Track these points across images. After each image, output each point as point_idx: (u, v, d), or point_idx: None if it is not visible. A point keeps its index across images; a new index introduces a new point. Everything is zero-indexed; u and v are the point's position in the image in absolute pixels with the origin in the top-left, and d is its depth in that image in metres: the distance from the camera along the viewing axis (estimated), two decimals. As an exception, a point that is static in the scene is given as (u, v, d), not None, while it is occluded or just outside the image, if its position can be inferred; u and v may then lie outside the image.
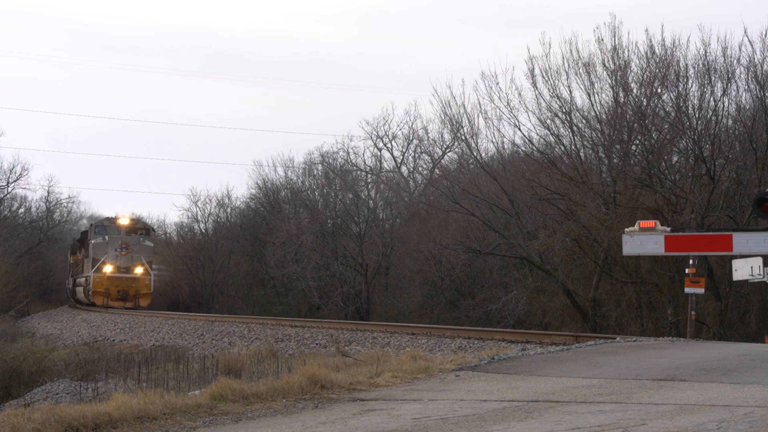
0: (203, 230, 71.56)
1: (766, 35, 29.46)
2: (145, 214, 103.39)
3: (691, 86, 30.48)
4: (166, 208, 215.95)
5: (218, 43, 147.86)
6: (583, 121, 32.70)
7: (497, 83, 33.65)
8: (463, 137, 36.89)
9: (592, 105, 32.05)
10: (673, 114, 31.05)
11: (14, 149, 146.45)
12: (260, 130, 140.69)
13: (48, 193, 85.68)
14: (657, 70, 30.93)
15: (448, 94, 39.77)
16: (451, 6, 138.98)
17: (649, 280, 30.52)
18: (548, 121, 32.94)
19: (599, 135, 32.58)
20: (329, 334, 26.93)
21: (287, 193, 60.38)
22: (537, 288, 35.00)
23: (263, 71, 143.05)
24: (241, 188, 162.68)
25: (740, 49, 29.86)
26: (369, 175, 59.26)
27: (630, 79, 31.54)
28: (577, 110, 32.54)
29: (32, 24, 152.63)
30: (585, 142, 33.31)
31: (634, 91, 31.64)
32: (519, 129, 34.12)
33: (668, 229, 19.97)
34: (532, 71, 32.37)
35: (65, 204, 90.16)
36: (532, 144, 34.49)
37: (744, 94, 30.73)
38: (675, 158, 32.57)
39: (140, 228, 60.06)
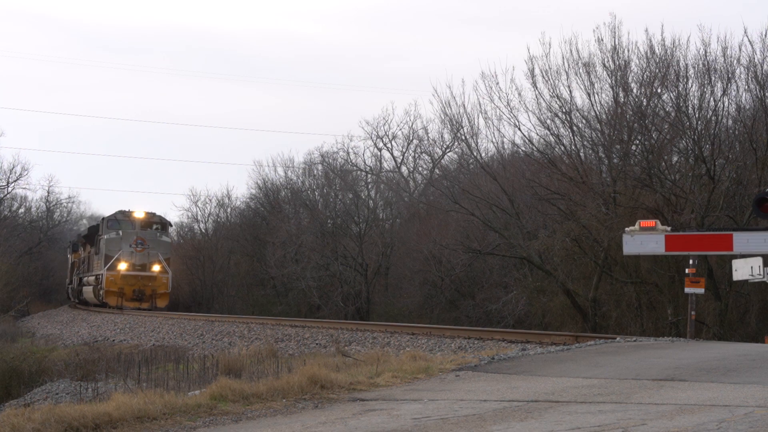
0: (203, 230, 71.57)
1: (766, 35, 29.48)
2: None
3: (691, 86, 30.51)
4: (166, 208, 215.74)
5: (218, 43, 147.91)
6: (583, 121, 32.72)
7: (497, 83, 33.70)
8: (463, 137, 36.91)
9: (592, 105, 32.08)
10: (673, 114, 31.05)
11: (14, 149, 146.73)
12: (260, 130, 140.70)
13: (48, 193, 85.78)
14: (657, 70, 30.94)
15: (448, 94, 39.81)
16: (451, 6, 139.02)
17: (649, 280, 30.52)
18: (548, 121, 32.98)
19: (599, 135, 32.58)
20: (329, 334, 26.92)
21: (287, 193, 60.37)
22: (537, 288, 35.00)
23: (263, 71, 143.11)
24: (241, 188, 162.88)
25: (740, 49, 29.89)
26: (369, 175, 59.26)
27: (630, 79, 31.57)
28: (577, 110, 32.57)
29: (32, 24, 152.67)
30: (585, 142, 33.33)
31: (634, 91, 31.66)
32: (519, 129, 34.16)
33: (668, 228, 19.98)
34: (532, 71, 32.41)
35: (65, 204, 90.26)
36: (532, 144, 34.53)
37: (744, 94, 30.76)
38: (675, 158, 32.58)
39: (156, 222, 55.37)
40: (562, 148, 33.47)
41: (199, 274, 64.19)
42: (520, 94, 33.29)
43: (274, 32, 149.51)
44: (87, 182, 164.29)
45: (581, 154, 33.30)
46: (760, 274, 19.46)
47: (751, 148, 29.17)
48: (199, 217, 72.24)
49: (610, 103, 31.85)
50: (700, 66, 30.19)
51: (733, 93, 30.41)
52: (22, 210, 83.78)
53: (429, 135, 58.47)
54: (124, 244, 52.70)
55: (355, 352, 20.76)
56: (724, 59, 29.91)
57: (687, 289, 21.06)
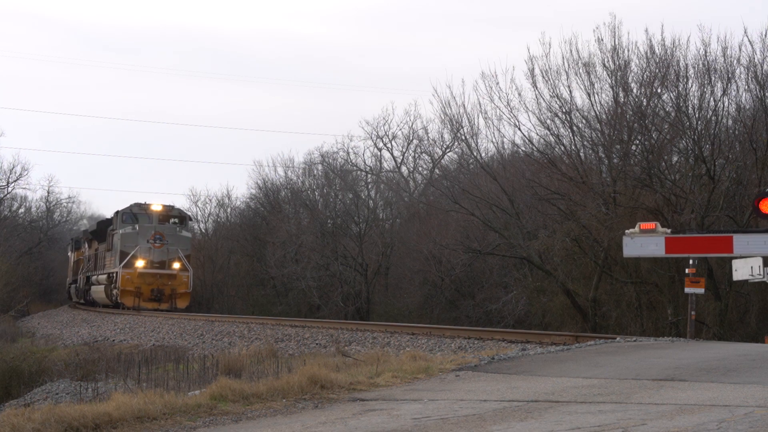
0: (203, 230, 71.58)
1: (766, 35, 29.49)
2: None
3: (691, 86, 30.52)
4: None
5: (218, 44, 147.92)
6: (583, 121, 32.72)
7: (497, 83, 33.71)
8: (463, 137, 36.92)
9: (592, 105, 32.09)
10: (673, 114, 31.06)
11: (14, 149, 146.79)
12: (260, 130, 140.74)
13: (48, 193, 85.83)
14: (657, 70, 30.94)
15: (448, 94, 39.81)
16: (452, 6, 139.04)
17: (649, 280, 30.52)
18: (548, 121, 32.99)
19: (599, 135, 32.58)
20: (329, 334, 26.92)
21: (287, 193, 60.37)
22: (537, 288, 35.00)
23: (263, 71, 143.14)
24: (241, 188, 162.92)
25: (740, 49, 29.90)
26: (369, 175, 59.27)
27: (630, 79, 31.57)
28: (577, 110, 32.57)
29: (32, 24, 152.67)
30: (585, 142, 33.34)
31: (634, 91, 31.66)
32: (519, 129, 34.17)
33: (668, 230, 19.98)
34: (532, 71, 32.41)
35: (65, 204, 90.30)
36: (532, 144, 34.53)
37: (744, 94, 30.77)
38: (675, 158, 32.58)
39: (175, 215, 50.87)
40: (562, 148, 33.48)
41: (199, 274, 64.19)
42: (520, 94, 33.34)
43: (274, 32, 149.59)
44: (87, 182, 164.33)
45: (581, 154, 33.30)
46: (760, 274, 19.46)
47: (751, 148, 29.17)
48: (199, 217, 72.29)
49: (610, 103, 31.87)
50: (700, 66, 30.22)
51: (733, 93, 30.44)
52: (22, 210, 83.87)
53: (429, 135, 58.52)
54: (140, 239, 48.46)
55: (355, 352, 20.76)
56: (724, 59, 29.94)
57: (687, 289, 21.07)
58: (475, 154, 37.54)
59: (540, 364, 14.01)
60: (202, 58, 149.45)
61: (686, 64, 30.51)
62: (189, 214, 55.02)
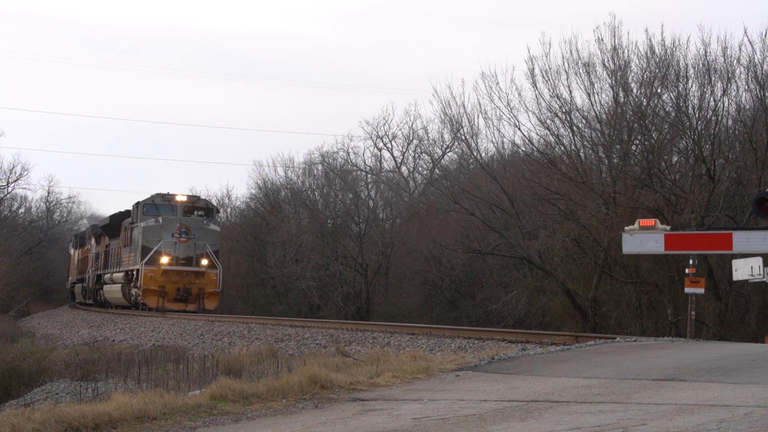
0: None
1: (766, 35, 29.51)
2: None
3: (691, 86, 30.53)
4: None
5: (218, 44, 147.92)
6: (583, 121, 32.73)
7: (497, 83, 33.74)
8: (463, 137, 36.93)
9: (592, 105, 32.11)
10: (673, 114, 31.07)
11: (14, 149, 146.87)
12: (260, 130, 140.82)
13: (48, 193, 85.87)
14: (657, 70, 30.95)
15: (448, 94, 39.86)
16: (451, 6, 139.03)
17: (649, 280, 30.52)
18: (548, 121, 33.01)
19: (599, 135, 32.59)
20: (329, 334, 26.91)
21: (287, 193, 60.39)
22: (537, 288, 35.01)
23: (263, 71, 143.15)
24: (241, 188, 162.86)
25: (740, 49, 29.92)
26: (369, 175, 59.30)
27: (630, 79, 31.59)
28: (577, 110, 32.59)
29: (32, 24, 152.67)
30: (585, 142, 33.35)
31: (634, 91, 31.68)
32: (519, 129, 34.20)
33: (668, 227, 19.96)
34: (532, 71, 32.43)
35: (65, 204, 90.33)
36: (532, 144, 34.56)
37: (744, 94, 30.79)
38: (675, 158, 32.59)
39: (201, 207, 45.98)
40: (562, 148, 33.50)
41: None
42: (520, 94, 33.37)
43: (275, 32, 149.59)
44: (87, 182, 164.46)
45: (581, 154, 33.31)
46: (760, 274, 19.45)
47: (751, 148, 29.17)
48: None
49: (610, 103, 31.87)
50: (700, 66, 30.23)
51: (733, 93, 30.47)
52: (22, 210, 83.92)
53: (429, 135, 58.58)
54: (164, 233, 43.57)
55: (355, 352, 20.76)
56: (724, 59, 29.96)
57: (687, 289, 21.06)
58: (475, 154, 37.58)
59: (540, 364, 14.00)
60: (203, 58, 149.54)
61: (686, 64, 30.55)
62: (215, 205, 50.34)
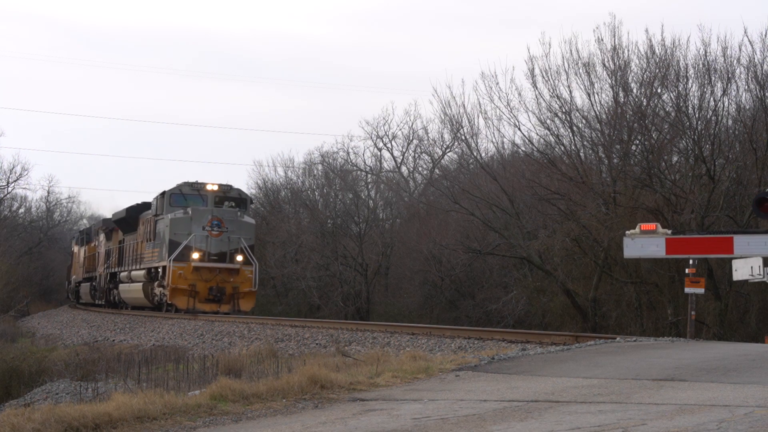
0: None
1: (766, 35, 29.53)
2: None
3: (691, 86, 30.56)
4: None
5: (218, 44, 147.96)
6: (583, 121, 32.75)
7: (497, 83, 33.77)
8: (463, 137, 36.97)
9: (592, 105, 32.13)
10: (673, 114, 31.07)
11: (14, 149, 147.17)
12: (260, 130, 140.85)
13: (48, 193, 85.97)
14: (657, 70, 30.97)
15: (448, 94, 39.89)
16: (451, 6, 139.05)
17: (649, 280, 30.52)
18: (548, 121, 33.04)
19: (599, 135, 32.61)
20: (329, 334, 26.89)
21: (287, 193, 60.40)
22: (537, 288, 35.02)
23: (263, 71, 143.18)
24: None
25: (740, 49, 29.95)
26: (369, 175, 59.32)
27: (630, 79, 31.61)
28: (577, 110, 32.62)
29: (32, 24, 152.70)
30: (585, 142, 33.38)
31: (634, 91, 31.70)
32: (519, 129, 34.25)
33: (669, 231, 19.96)
34: (532, 71, 32.46)
35: (65, 204, 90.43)
36: (532, 144, 34.59)
37: (744, 94, 30.82)
38: (675, 158, 32.61)
39: (234, 197, 41.29)
40: (562, 148, 33.52)
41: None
42: (520, 94, 33.40)
43: (274, 33, 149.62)
44: (87, 182, 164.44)
45: (581, 154, 33.33)
46: (760, 274, 19.44)
47: (751, 148, 29.18)
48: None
49: (610, 103, 31.89)
50: (700, 66, 30.25)
51: (733, 93, 30.50)
52: (22, 210, 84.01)
53: (429, 135, 58.59)
54: (195, 226, 39.00)
55: (355, 352, 20.75)
56: (724, 59, 29.98)
57: (687, 289, 21.06)
58: (475, 154, 37.60)
59: (540, 364, 13.99)
60: (203, 59, 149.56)
61: (686, 64, 30.58)
62: (249, 195, 45.12)
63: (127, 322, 41.74)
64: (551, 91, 32.30)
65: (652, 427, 8.59)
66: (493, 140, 40.73)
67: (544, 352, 16.01)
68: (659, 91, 31.30)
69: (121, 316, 45.20)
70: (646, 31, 40.10)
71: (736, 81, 30.22)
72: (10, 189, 77.06)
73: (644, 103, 31.40)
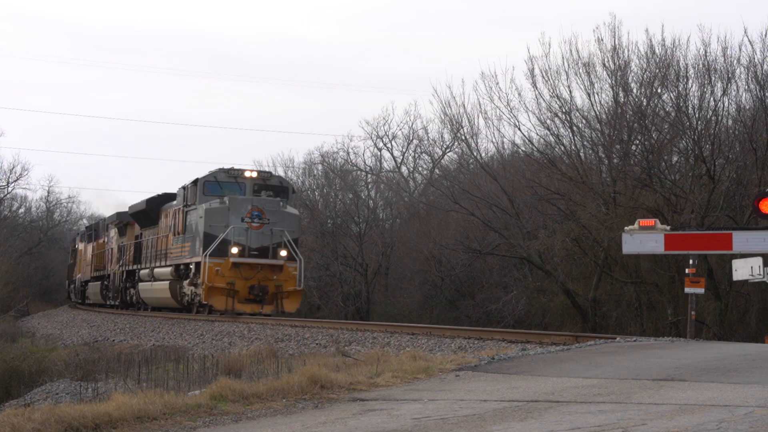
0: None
1: (766, 35, 29.51)
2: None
3: (691, 86, 30.55)
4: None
5: (218, 44, 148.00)
6: (583, 121, 32.75)
7: (497, 83, 33.79)
8: (463, 137, 36.96)
9: (592, 105, 32.14)
10: (673, 114, 31.08)
11: (14, 149, 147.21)
12: (260, 130, 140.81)
13: (48, 193, 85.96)
14: (657, 70, 30.97)
15: (448, 94, 39.95)
16: (451, 6, 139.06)
17: (649, 280, 30.52)
18: (548, 121, 33.04)
19: (599, 135, 32.61)
20: (329, 334, 26.89)
21: (287, 193, 60.33)
22: (537, 288, 35.02)
23: (263, 71, 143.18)
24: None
25: (740, 49, 29.94)
26: (369, 175, 59.31)
27: (630, 79, 31.61)
28: (577, 110, 32.63)
29: (32, 24, 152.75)
30: (585, 142, 33.38)
31: (634, 91, 31.69)
32: (519, 129, 34.26)
33: (668, 227, 19.96)
34: (531, 71, 32.46)
35: (65, 204, 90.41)
36: (532, 144, 34.60)
37: (744, 94, 30.81)
38: (675, 158, 32.61)
39: (275, 186, 36.34)
40: (562, 148, 33.53)
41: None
42: (520, 94, 33.42)
43: (274, 33, 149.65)
44: (87, 182, 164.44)
45: (581, 154, 33.34)
46: (760, 274, 19.45)
47: (751, 148, 29.17)
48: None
49: (610, 103, 31.90)
50: (700, 66, 30.24)
51: (733, 93, 30.49)
52: (22, 210, 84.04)
53: (429, 135, 58.59)
54: (232, 217, 34.47)
55: (355, 352, 20.76)
56: (724, 59, 29.97)
57: (687, 289, 21.06)
58: (475, 154, 37.60)
59: (540, 364, 13.99)
60: (203, 59, 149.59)
61: (686, 64, 30.57)
62: (291, 183, 40.74)
63: (127, 322, 41.72)
64: (551, 91, 32.34)
65: (652, 427, 8.60)
66: (493, 140, 40.80)
67: (544, 352, 16.01)
68: (659, 91, 31.31)
69: (121, 316, 45.16)
70: (646, 31, 40.14)
71: (736, 81, 30.26)
72: (10, 189, 77.16)
73: (644, 103, 31.41)
